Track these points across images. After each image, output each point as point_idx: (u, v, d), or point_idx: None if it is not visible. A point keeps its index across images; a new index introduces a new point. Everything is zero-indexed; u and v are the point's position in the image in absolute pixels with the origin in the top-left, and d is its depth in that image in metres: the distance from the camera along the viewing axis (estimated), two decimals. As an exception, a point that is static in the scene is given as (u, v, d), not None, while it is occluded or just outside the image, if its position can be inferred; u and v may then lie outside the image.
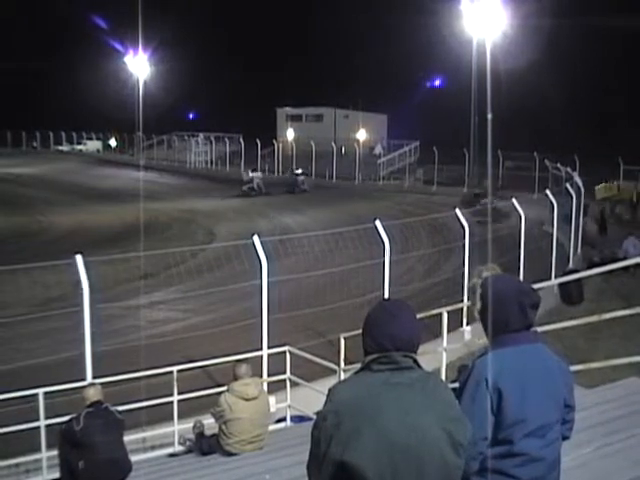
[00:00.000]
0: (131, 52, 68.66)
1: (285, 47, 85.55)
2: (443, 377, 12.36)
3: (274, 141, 65.24)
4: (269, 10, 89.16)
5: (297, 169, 53.83)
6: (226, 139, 68.63)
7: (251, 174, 52.19)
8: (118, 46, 72.04)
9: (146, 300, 20.70)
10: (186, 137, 76.16)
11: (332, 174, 55.59)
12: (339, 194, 47.28)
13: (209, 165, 69.30)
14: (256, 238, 13.27)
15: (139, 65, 67.80)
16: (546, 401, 3.85)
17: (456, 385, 3.93)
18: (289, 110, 78.93)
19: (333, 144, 57.40)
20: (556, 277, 20.25)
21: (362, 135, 66.85)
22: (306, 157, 57.24)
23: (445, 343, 13.52)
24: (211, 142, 71.19)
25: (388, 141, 66.86)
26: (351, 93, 72.47)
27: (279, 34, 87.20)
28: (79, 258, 11.41)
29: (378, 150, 62.43)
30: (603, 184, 44.02)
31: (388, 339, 3.28)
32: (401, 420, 3.09)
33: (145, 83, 65.26)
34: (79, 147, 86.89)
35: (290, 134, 70.84)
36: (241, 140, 66.01)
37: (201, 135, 73.78)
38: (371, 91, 74.02)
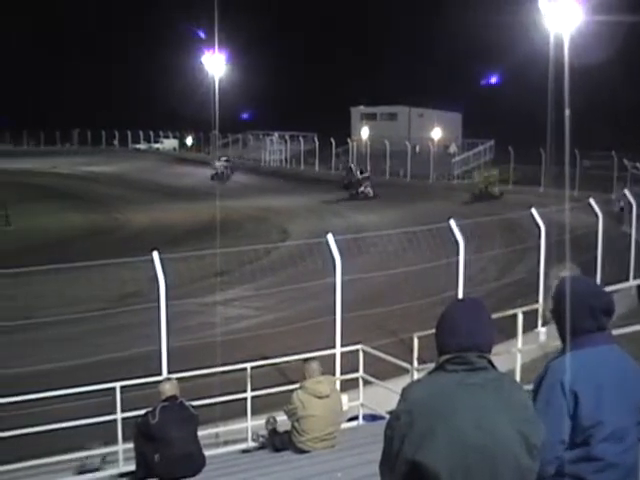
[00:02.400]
0: (208, 51, 69.37)
1: (360, 46, 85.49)
2: (517, 379, 12.20)
3: (348, 140, 65.21)
4: (344, 9, 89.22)
5: (362, 170, 49.99)
6: (300, 138, 68.83)
7: (217, 163, 60.39)
8: (196, 45, 72.83)
9: (220, 297, 20.90)
10: (261, 136, 76.60)
11: (406, 173, 55.33)
12: (413, 193, 47.00)
13: (283, 164, 69.61)
14: (330, 236, 13.28)
15: (216, 64, 68.42)
16: (622, 404, 3.77)
17: (530, 387, 3.88)
18: (363, 109, 78.80)
19: (407, 143, 57.11)
20: (635, 278, 19.83)
21: (437, 134, 66.38)
22: (380, 156, 57.07)
23: (520, 344, 13.35)
24: (286, 141, 71.47)
25: (462, 140, 66.28)
26: (425, 91, 72.09)
27: (355, 33, 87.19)
28: (156, 255, 11.58)
29: (452, 149, 61.95)
30: None
31: (462, 339, 3.25)
32: (475, 421, 3.06)
33: (221, 82, 65.81)
34: (156, 146, 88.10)
35: (364, 133, 70.72)
36: (315, 139, 66.14)
37: (276, 134, 74.13)
38: (442, 89, 73.42)
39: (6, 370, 14.74)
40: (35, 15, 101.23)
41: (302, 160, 65.76)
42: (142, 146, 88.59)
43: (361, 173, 48.96)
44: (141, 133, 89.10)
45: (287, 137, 71.39)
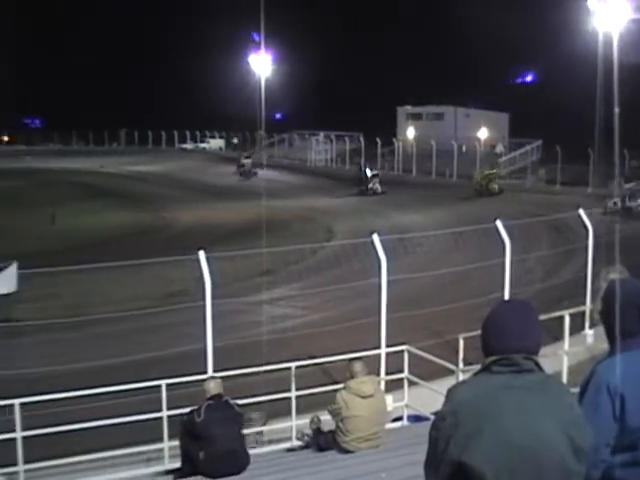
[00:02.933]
0: (255, 52, 69.73)
1: (407, 45, 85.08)
2: (564, 381, 12.08)
3: (394, 140, 65.05)
4: (392, 8, 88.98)
5: (371, 168, 52.67)
6: (346, 138, 68.79)
7: (243, 160, 62.95)
8: (242, 45, 73.27)
9: (266, 296, 20.98)
10: (307, 135, 76.70)
11: (452, 173, 55.00)
12: (459, 193, 46.77)
13: (329, 163, 69.63)
14: (375, 236, 13.26)
15: (262, 64, 68.71)
16: None
17: (577, 389, 3.85)
18: (410, 109, 78.57)
19: (453, 142, 56.80)
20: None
21: (483, 134, 65.96)
22: (426, 156, 56.86)
23: (566, 346, 13.22)
24: (331, 140, 71.48)
25: (509, 140, 65.75)
26: (470, 91, 71.66)
27: (402, 32, 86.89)
28: (202, 254, 11.65)
29: (499, 149, 61.48)
30: None
31: (509, 341, 3.23)
32: (521, 423, 3.04)
33: (268, 82, 66.05)
34: (202, 145, 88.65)
35: (410, 133, 70.52)
36: (361, 139, 66.09)
37: (321, 133, 74.18)
38: (489, 89, 72.91)
39: (54, 367, 14.96)
40: (85, 16, 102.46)
41: (347, 160, 65.71)
42: (189, 146, 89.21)
43: (370, 170, 51.85)
44: (188, 133, 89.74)
45: (333, 137, 71.40)
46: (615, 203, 35.30)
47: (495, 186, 46.63)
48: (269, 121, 70.82)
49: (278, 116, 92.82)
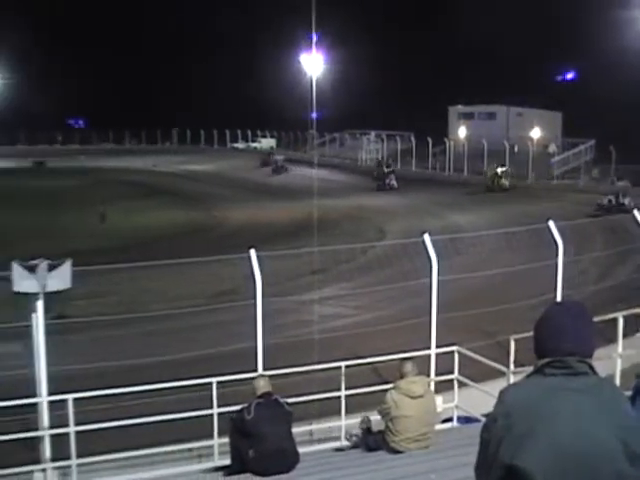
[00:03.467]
0: (306, 51, 69.82)
1: (458, 44, 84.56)
2: (617, 384, 11.91)
3: (445, 139, 64.69)
4: (441, 8, 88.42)
5: (389, 165, 56.82)
6: (397, 137, 68.63)
7: (276, 157, 69.09)
8: (294, 45, 73.38)
9: (316, 295, 21.01)
10: (358, 135, 76.68)
11: (504, 173, 54.54)
12: (512, 193, 46.38)
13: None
14: (426, 236, 13.19)
15: (313, 64, 68.78)
16: None
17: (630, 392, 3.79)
18: (461, 108, 78.07)
19: (505, 142, 56.30)
20: None
21: (536, 133, 65.25)
22: (478, 155, 56.47)
23: (620, 349, 13.03)
24: (382, 140, 71.36)
25: (562, 139, 64.95)
26: (522, 91, 70.85)
27: (451, 32, 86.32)
28: (253, 252, 11.70)
29: (552, 149, 60.72)
30: None
31: (563, 343, 3.19)
32: (574, 427, 3.00)
33: (319, 81, 66.09)
34: (254, 145, 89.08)
35: (462, 132, 70.08)
36: (412, 138, 65.87)
37: (372, 133, 74.11)
38: (540, 88, 72.03)
39: (107, 363, 15.16)
40: (137, 15, 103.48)
41: (399, 159, 65.51)
42: (240, 145, 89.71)
43: (387, 167, 56.57)
44: (239, 132, 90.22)
45: (384, 136, 71.28)
46: (610, 200, 37.79)
47: (506, 182, 49.69)
48: (333, 120, 70.96)
49: (316, 115, 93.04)
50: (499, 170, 50.43)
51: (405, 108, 79.47)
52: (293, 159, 73.68)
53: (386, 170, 55.60)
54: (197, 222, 41.87)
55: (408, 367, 9.43)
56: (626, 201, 36.33)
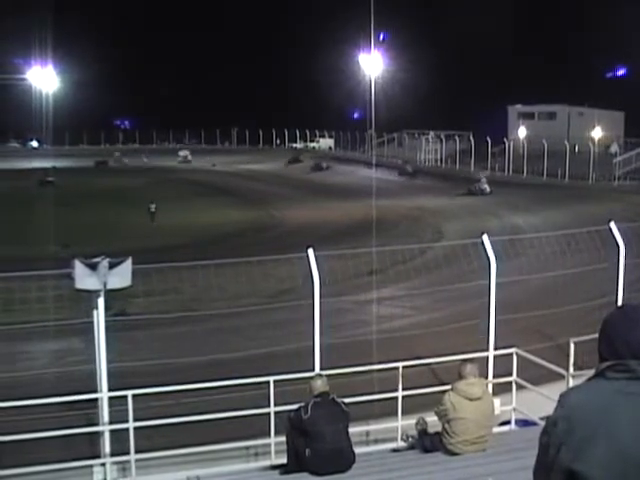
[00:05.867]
0: (365, 52, 69.80)
1: (518, 43, 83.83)
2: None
3: (505, 139, 64.08)
4: (500, 8, 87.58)
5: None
6: (456, 137, 68.24)
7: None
8: (353, 46, 73.40)
9: (374, 296, 20.98)
10: (416, 135, 76.42)
11: (564, 173, 53.77)
12: (572, 194, 45.76)
13: (439, 163, 69.17)
14: (485, 237, 13.08)
15: (371, 64, 68.68)
16: None
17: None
18: (521, 108, 77.32)
19: (566, 142, 55.55)
20: None
21: (597, 133, 64.27)
22: (538, 156, 55.81)
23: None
24: (441, 140, 71.01)
25: (625, 139, 63.85)
26: (583, 90, 69.95)
27: (510, 32, 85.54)
28: (311, 252, 11.71)
29: (614, 149, 59.72)
30: None
31: (626, 346, 3.13)
32: (635, 431, 2.95)
33: (377, 82, 66.00)
34: (312, 144, 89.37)
35: (521, 132, 69.38)
36: (471, 138, 65.39)
37: (431, 133, 73.77)
38: (602, 87, 70.97)
39: (167, 360, 15.35)
40: (197, 16, 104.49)
41: (457, 160, 65.11)
42: (298, 145, 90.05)
43: (410, 167, 63.09)
44: (297, 132, 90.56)
45: (442, 136, 70.90)
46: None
47: (487, 187, 50.46)
48: (391, 120, 70.86)
49: (356, 115, 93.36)
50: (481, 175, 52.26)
51: (464, 108, 79.00)
52: (351, 159, 73.73)
53: (411, 170, 62.31)
54: (255, 221, 42.13)
55: (468, 369, 9.36)
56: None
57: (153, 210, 43.62)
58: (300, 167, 73.56)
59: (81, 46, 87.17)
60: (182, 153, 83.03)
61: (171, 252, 26.89)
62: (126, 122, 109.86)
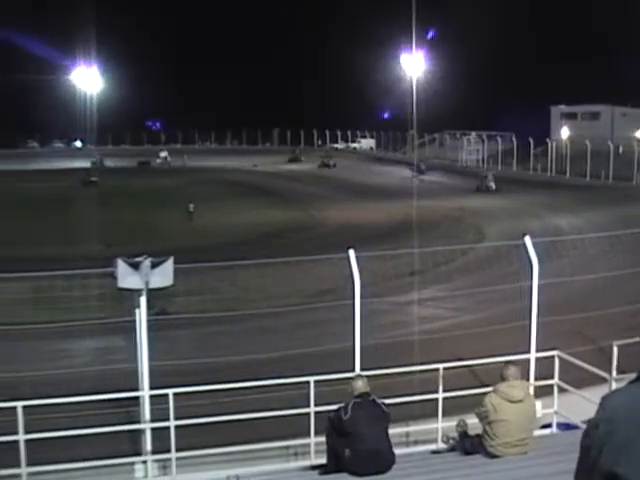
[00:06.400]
0: (406, 52, 69.69)
1: (561, 44, 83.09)
2: None
3: (547, 140, 63.51)
4: (541, 8, 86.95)
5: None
6: (498, 137, 67.77)
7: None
8: (393, 46, 73.31)
9: (415, 297, 20.93)
10: (458, 135, 76.08)
11: (608, 174, 53.13)
12: (615, 195, 45.23)
13: (480, 164, 68.78)
14: (527, 238, 12.97)
15: (413, 64, 68.53)
16: None
17: None
18: (564, 108, 76.60)
19: (610, 143, 54.89)
20: None
21: (642, 134, 63.52)
22: (580, 157, 55.23)
23: None
24: (483, 140, 70.60)
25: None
26: (627, 90, 69.01)
27: (553, 31, 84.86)
28: (352, 252, 11.70)
29: (660, 149, 58.90)
30: None
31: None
32: (677, 435, 2.91)
33: (419, 82, 65.83)
34: (353, 145, 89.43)
35: (564, 133, 68.74)
36: (513, 139, 64.91)
37: (473, 133, 73.38)
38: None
39: (209, 359, 15.43)
40: (241, 16, 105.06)
41: (499, 160, 64.68)
42: (339, 145, 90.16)
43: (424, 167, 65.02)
44: (339, 132, 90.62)
45: (484, 137, 70.48)
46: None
47: (492, 185, 53.16)
48: (433, 120, 70.68)
49: (386, 115, 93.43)
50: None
51: (507, 108, 78.40)
52: (392, 160, 73.61)
53: (423, 168, 63.96)
54: (295, 221, 42.19)
55: (510, 371, 9.28)
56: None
57: (191, 210, 44.11)
58: (339, 165, 73.59)
59: (124, 47, 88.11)
60: (162, 154, 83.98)
61: (209, 252, 27.00)
62: (158, 123, 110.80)
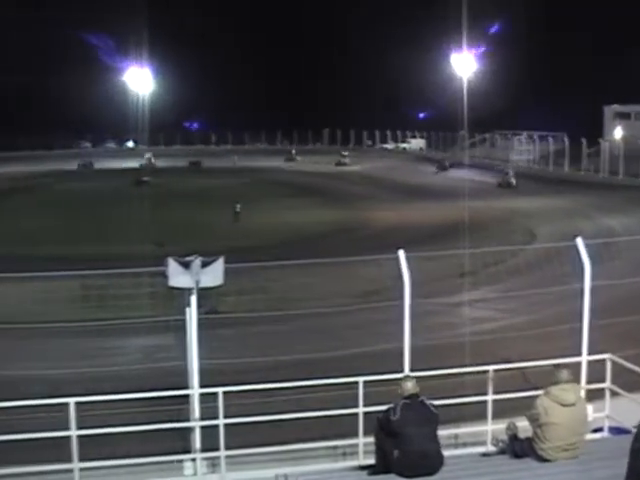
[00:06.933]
0: (456, 51, 69.42)
1: (614, 42, 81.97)
2: None
3: (600, 140, 62.62)
4: (597, 8, 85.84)
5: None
6: (549, 137, 67.01)
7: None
8: (443, 46, 73.07)
9: (465, 298, 20.83)
10: (509, 136, 75.46)
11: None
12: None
13: (531, 164, 68.12)
14: (579, 240, 12.82)
15: (464, 64, 68.19)
16: None
17: None
18: (617, 108, 75.54)
19: (664, 143, 54.04)
20: None
21: (698, 133, 62.40)
22: (634, 157, 54.38)
23: None
24: (534, 141, 69.91)
25: None
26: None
27: (605, 30, 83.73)
28: (401, 253, 11.66)
29: None
30: None
31: None
32: None
33: (470, 82, 65.48)
34: (403, 145, 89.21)
35: (617, 133, 67.79)
36: (565, 139, 64.13)
37: (524, 133, 72.69)
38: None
39: (259, 358, 15.53)
40: (276, 17, 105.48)
41: (551, 161, 63.99)
42: (389, 146, 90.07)
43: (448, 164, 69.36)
44: (389, 133, 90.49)
45: (536, 137, 69.78)
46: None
47: (513, 181, 57.22)
48: (483, 120, 70.31)
49: (422, 115, 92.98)
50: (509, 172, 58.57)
51: (559, 108, 77.60)
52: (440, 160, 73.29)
53: (447, 165, 68.10)
54: (343, 222, 42.22)
55: (562, 374, 9.18)
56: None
57: (238, 210, 44.49)
58: (392, 166, 73.45)
59: (175, 48, 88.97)
60: (147, 155, 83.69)
61: (255, 252, 27.16)
62: (205, 123, 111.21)
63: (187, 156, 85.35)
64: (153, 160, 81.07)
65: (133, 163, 77.31)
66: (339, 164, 79.47)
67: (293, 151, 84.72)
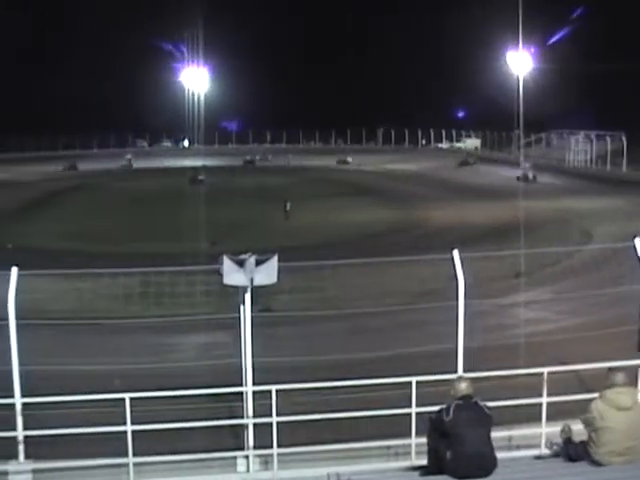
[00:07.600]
0: (511, 50, 68.80)
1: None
2: None
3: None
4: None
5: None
6: (607, 137, 65.99)
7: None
8: (497, 44, 72.46)
9: (519, 299, 20.66)
10: (565, 135, 74.52)
11: None
12: None
13: (588, 164, 67.21)
14: (637, 240, 12.63)
15: (519, 63, 67.53)
16: None
17: None
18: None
19: None
20: None
21: None
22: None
23: None
24: (591, 140, 68.93)
25: None
26: None
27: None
28: (456, 253, 11.61)
29: None
30: None
31: None
32: None
33: (525, 81, 64.85)
34: (458, 145, 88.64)
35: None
36: (623, 138, 63.10)
37: (581, 133, 71.70)
38: None
39: (310, 357, 15.57)
40: (312, 17, 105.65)
41: (608, 160, 63.07)
42: (444, 145, 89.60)
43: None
44: (443, 132, 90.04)
45: (593, 136, 68.80)
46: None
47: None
48: (540, 119, 69.57)
49: (461, 114, 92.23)
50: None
51: (617, 107, 76.41)
52: (497, 160, 72.74)
53: (471, 161, 72.99)
54: (397, 221, 42.13)
55: (618, 377, 9.06)
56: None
57: (288, 209, 44.82)
58: (448, 166, 73.11)
59: (231, 48, 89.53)
60: (127, 157, 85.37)
61: (307, 251, 27.22)
62: (232, 125, 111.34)
63: (242, 155, 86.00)
64: (132, 162, 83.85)
65: (190, 162, 77.97)
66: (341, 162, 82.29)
67: (348, 158, 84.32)
